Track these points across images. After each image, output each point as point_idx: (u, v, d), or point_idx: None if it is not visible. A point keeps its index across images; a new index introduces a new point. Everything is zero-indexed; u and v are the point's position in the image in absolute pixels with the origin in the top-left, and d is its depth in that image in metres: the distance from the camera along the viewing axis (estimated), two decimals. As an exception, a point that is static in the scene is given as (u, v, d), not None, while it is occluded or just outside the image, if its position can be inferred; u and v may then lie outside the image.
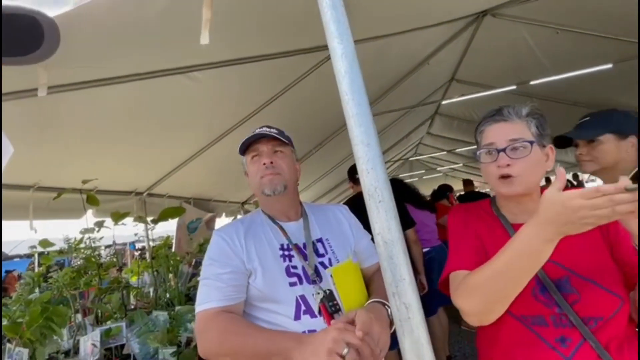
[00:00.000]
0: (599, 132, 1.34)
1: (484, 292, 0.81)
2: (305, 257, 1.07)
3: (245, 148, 1.15)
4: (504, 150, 0.89)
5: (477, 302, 0.82)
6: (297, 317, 0.98)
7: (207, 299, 0.98)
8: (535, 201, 0.91)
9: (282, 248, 1.07)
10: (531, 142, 0.89)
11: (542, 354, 0.85)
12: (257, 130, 1.12)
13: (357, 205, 1.08)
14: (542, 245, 0.73)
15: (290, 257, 1.05)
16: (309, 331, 0.95)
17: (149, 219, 2.72)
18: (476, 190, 5.48)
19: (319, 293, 1.00)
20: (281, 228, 1.12)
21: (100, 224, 2.10)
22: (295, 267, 1.04)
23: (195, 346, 1.76)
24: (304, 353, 0.83)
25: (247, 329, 0.94)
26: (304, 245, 1.10)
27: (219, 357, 0.94)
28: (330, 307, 0.97)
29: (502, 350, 0.92)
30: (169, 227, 3.70)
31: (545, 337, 0.85)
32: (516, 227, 0.92)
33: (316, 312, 0.99)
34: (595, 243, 0.89)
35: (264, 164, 1.10)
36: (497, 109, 0.95)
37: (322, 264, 1.08)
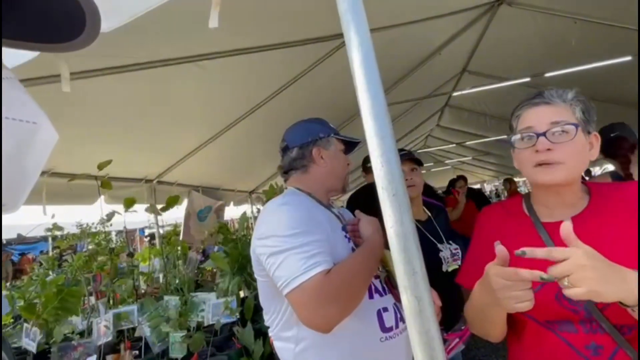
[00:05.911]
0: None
1: (471, 322, 0.91)
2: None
3: (343, 141, 1.19)
4: (544, 134, 0.77)
5: (474, 329, 0.92)
6: (370, 296, 1.02)
7: (313, 264, 0.88)
8: (575, 194, 0.83)
9: (343, 229, 1.09)
10: (576, 126, 0.77)
11: None
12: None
13: (365, 198, 1.09)
14: (481, 301, 0.77)
15: (349, 238, 1.08)
16: (383, 309, 1.01)
17: (159, 206, 2.76)
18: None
19: (381, 271, 1.10)
20: (334, 214, 1.14)
21: (111, 215, 2.16)
22: (354, 250, 1.06)
23: (205, 330, 1.80)
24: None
25: (352, 263, 0.96)
26: None
27: (352, 307, 0.91)
28: (393, 281, 1.01)
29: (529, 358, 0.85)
30: (178, 214, 3.75)
31: (574, 345, 0.77)
32: (548, 226, 0.82)
33: (381, 291, 1.06)
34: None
35: (349, 164, 1.20)
36: (537, 92, 0.84)
37: None
